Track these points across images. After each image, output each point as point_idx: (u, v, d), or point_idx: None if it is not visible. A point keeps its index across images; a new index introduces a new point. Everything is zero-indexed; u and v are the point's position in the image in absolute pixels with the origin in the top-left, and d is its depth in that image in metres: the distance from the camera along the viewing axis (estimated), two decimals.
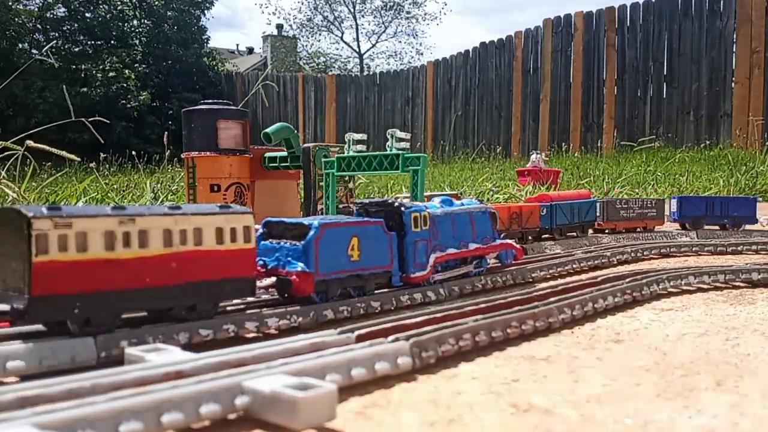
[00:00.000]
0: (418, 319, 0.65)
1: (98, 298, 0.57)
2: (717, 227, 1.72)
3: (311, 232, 0.73)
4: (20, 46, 10.38)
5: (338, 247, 0.76)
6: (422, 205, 0.89)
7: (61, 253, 0.55)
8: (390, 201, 0.87)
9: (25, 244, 0.54)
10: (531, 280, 1.05)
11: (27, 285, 0.53)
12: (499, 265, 1.04)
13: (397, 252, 0.83)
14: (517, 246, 1.05)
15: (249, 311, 0.71)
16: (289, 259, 0.73)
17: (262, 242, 0.76)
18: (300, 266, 0.72)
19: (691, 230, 1.67)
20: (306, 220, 0.76)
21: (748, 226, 1.74)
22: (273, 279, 0.73)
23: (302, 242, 0.73)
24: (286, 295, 0.74)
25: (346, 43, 25.29)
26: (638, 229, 1.61)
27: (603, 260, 1.22)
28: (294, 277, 0.71)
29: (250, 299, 0.74)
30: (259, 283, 0.72)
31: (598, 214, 1.55)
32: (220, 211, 0.65)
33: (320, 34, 21.00)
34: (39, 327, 0.60)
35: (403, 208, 0.85)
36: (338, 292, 0.77)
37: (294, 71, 14.90)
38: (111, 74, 10.01)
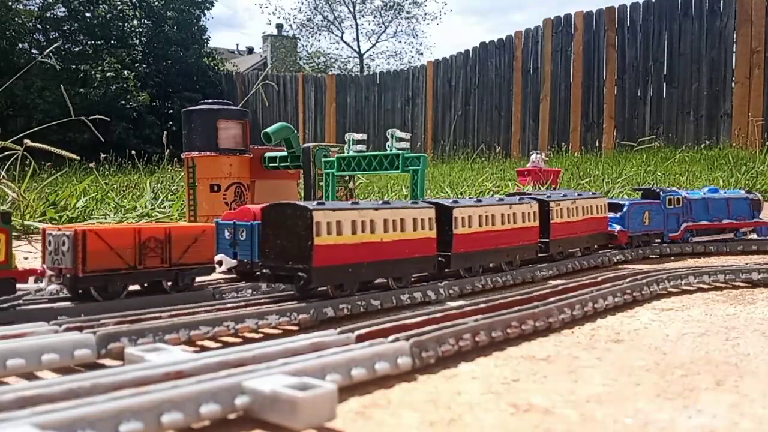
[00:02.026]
0: (418, 319, 0.65)
1: (347, 269, 0.77)
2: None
3: (625, 208, 1.31)
4: (20, 45, 10.38)
5: (638, 217, 1.32)
6: (676, 191, 1.42)
7: (328, 236, 0.75)
8: (654, 189, 1.41)
9: (307, 230, 0.73)
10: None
11: (309, 260, 0.73)
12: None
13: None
14: None
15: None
16: (612, 222, 1.29)
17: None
18: (618, 227, 1.29)
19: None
20: (621, 200, 1.36)
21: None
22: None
23: (619, 213, 1.31)
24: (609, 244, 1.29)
25: (346, 43, 25.29)
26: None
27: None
28: (616, 232, 1.28)
29: None
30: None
31: None
32: (414, 206, 0.87)
33: (320, 34, 21.00)
34: None
35: (661, 192, 1.39)
36: (637, 243, 1.33)
37: (294, 71, 14.90)
38: (109, 74, 10.01)
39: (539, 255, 1.09)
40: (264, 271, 0.78)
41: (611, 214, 1.30)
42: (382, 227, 0.81)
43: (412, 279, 0.88)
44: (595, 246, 1.24)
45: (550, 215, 1.09)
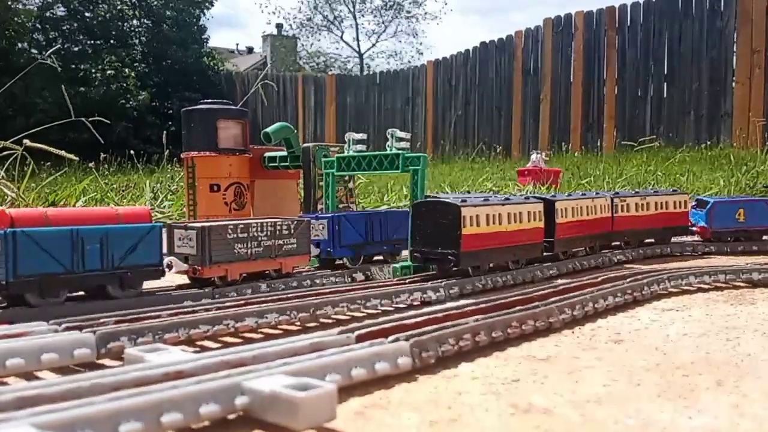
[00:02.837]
0: (418, 319, 0.65)
1: (483, 254, 0.97)
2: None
3: (709, 205, 1.43)
4: (19, 45, 10.38)
5: (728, 214, 1.43)
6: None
7: (470, 227, 0.94)
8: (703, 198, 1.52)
9: (457, 222, 0.92)
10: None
11: (458, 246, 0.92)
12: None
13: None
14: None
15: None
16: (697, 219, 1.45)
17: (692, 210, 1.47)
18: (702, 222, 1.44)
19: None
20: (706, 198, 1.47)
21: None
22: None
23: (703, 210, 1.44)
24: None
25: (346, 42, 25.29)
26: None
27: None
28: (698, 228, 1.44)
29: None
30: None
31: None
32: (527, 201, 1.06)
33: (320, 34, 21.01)
34: None
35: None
36: (731, 238, 1.43)
37: (294, 71, 14.91)
38: (110, 72, 10.00)
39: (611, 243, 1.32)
40: (415, 254, 0.98)
41: (698, 211, 1.47)
42: (506, 219, 1.00)
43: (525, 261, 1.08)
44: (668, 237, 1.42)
45: (616, 209, 1.31)
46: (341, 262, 1.08)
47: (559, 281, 0.94)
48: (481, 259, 0.98)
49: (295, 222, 0.97)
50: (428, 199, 0.98)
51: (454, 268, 0.95)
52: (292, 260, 0.96)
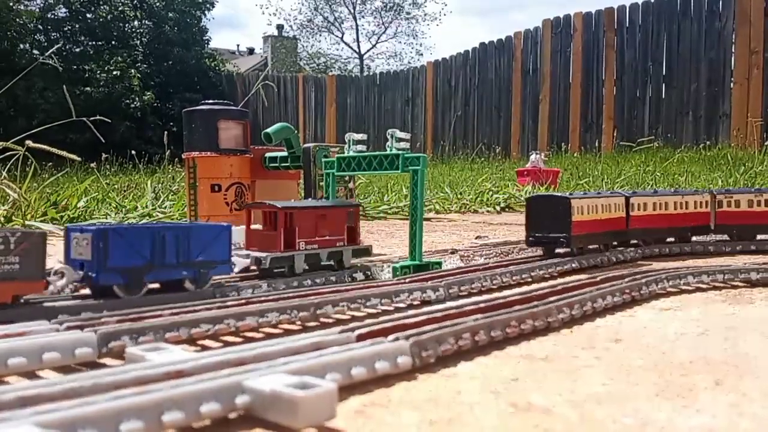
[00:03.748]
0: (418, 319, 0.65)
1: (588, 236, 1.20)
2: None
3: None
4: (21, 46, 10.38)
5: None
6: None
7: (579, 215, 1.16)
8: None
9: (568, 211, 1.14)
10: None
11: (569, 230, 1.15)
12: None
13: None
14: None
15: None
16: None
17: None
18: None
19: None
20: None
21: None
22: None
23: None
24: None
25: (346, 43, 25.29)
26: None
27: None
28: None
29: None
30: None
31: None
32: (611, 195, 1.28)
33: (320, 35, 21.02)
34: None
35: None
36: None
37: (294, 72, 14.90)
38: (115, 73, 10.01)
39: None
40: (530, 239, 1.20)
41: None
42: (604, 209, 1.23)
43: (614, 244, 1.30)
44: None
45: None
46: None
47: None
48: (586, 241, 1.21)
49: (18, 235, 0.68)
50: (542, 194, 1.25)
51: (565, 248, 1.18)
52: (9, 287, 0.68)
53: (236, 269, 0.93)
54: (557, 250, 1.20)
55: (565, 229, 1.15)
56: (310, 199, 1.31)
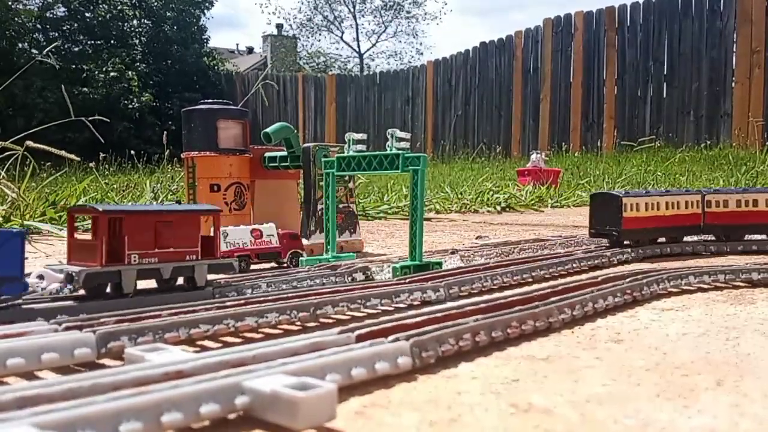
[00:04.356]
0: (418, 319, 0.65)
1: (640, 232, 1.33)
2: None
3: None
4: (20, 45, 10.38)
5: None
6: None
7: (630, 212, 1.30)
8: None
9: (619, 208, 1.29)
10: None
11: (620, 225, 1.29)
12: None
13: None
14: None
15: None
16: None
17: None
18: None
19: None
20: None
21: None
22: None
23: None
24: None
25: (346, 42, 25.29)
26: None
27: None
28: None
29: None
30: None
31: None
32: (683, 193, 1.42)
33: (320, 34, 21.03)
34: None
35: None
36: None
37: (294, 71, 14.90)
38: (113, 74, 10.01)
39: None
40: (591, 231, 1.36)
41: None
42: (663, 206, 1.34)
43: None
44: None
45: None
46: None
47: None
48: (637, 235, 1.32)
49: None
50: (602, 192, 1.41)
51: (618, 241, 1.31)
52: None
53: (47, 288, 0.74)
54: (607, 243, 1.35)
55: (617, 224, 1.30)
56: (155, 203, 1.04)
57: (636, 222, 1.31)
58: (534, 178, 4.31)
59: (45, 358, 0.55)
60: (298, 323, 0.75)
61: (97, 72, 10.09)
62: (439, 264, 1.10)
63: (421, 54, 21.47)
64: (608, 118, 6.94)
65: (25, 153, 1.97)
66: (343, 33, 23.61)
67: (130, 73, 10.22)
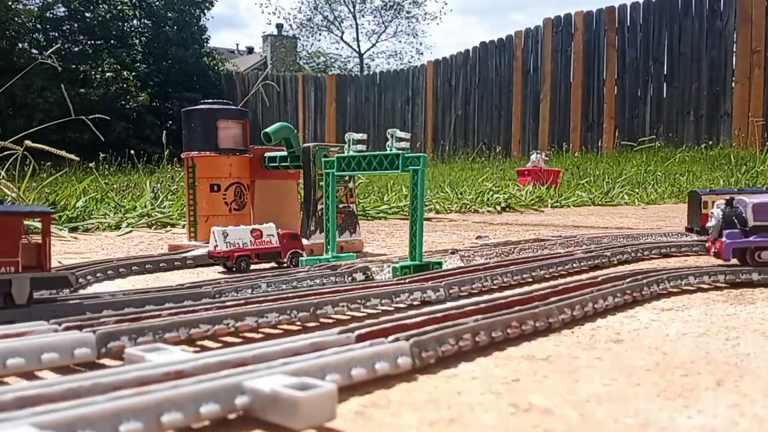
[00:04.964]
0: (418, 319, 0.65)
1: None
2: None
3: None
4: (20, 45, 10.39)
5: None
6: None
7: (706, 209, 1.35)
8: None
9: (699, 205, 1.38)
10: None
11: (699, 220, 1.36)
12: None
13: None
14: None
15: None
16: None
17: None
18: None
19: None
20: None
21: None
22: None
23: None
24: None
25: (346, 42, 25.29)
26: None
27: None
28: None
29: None
30: None
31: None
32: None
33: (320, 34, 21.04)
34: None
35: None
36: None
37: (294, 71, 14.90)
38: (109, 74, 10.02)
39: None
40: (687, 227, 1.47)
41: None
42: None
43: None
44: None
45: None
46: None
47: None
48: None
49: None
50: (694, 189, 1.46)
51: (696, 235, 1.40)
52: None
53: None
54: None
55: (697, 220, 1.39)
56: None
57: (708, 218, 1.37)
58: (534, 178, 4.31)
59: (45, 358, 0.55)
60: (298, 323, 0.75)
61: (93, 73, 10.09)
62: (439, 264, 1.10)
63: (421, 54, 21.49)
64: (608, 118, 6.94)
65: (25, 153, 1.97)
66: (343, 33, 23.63)
67: (125, 73, 10.22)
